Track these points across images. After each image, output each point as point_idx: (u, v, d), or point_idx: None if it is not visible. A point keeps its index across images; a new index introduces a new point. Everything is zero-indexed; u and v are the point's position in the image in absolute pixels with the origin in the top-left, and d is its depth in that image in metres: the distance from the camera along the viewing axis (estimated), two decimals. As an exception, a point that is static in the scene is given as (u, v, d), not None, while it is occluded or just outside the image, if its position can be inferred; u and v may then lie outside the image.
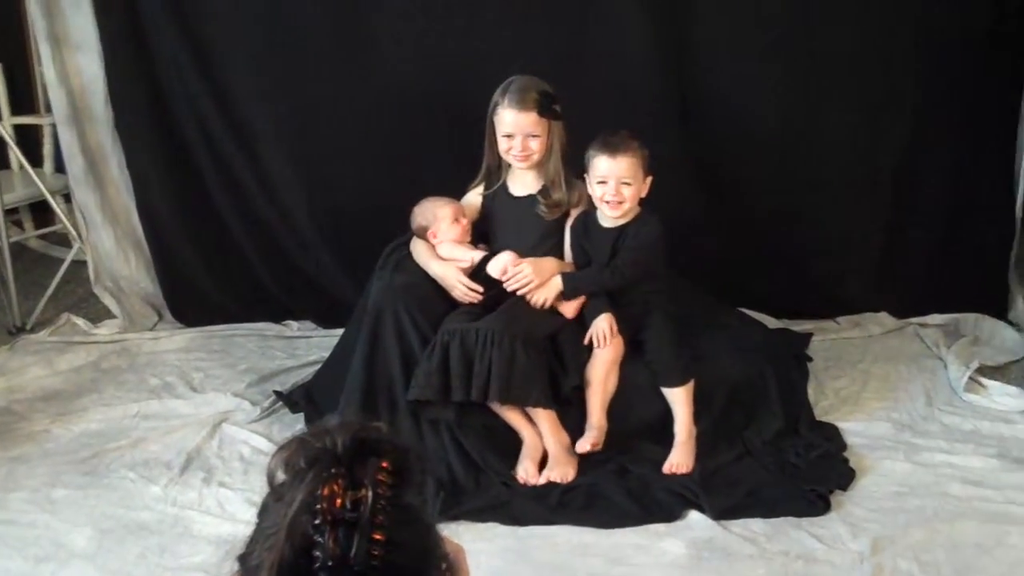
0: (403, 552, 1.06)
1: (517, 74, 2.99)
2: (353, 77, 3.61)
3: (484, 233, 3.12)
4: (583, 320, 2.91)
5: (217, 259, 3.90)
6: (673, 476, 2.74)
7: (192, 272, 3.90)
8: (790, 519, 2.58)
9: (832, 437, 2.96)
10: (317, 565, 1.03)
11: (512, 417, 2.82)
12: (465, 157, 3.17)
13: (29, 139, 4.27)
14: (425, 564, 1.11)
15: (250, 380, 3.39)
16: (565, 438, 2.81)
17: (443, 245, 3.03)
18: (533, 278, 2.89)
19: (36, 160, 4.18)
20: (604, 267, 2.92)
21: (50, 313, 3.94)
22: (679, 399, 2.84)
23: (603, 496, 2.68)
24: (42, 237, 4.54)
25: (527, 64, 3.09)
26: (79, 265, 4.04)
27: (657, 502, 2.65)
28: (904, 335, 3.69)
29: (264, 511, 1.12)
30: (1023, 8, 3.50)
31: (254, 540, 1.10)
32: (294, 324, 3.86)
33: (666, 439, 2.84)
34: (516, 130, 2.93)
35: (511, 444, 2.81)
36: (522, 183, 3.06)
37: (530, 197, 3.03)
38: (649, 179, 2.89)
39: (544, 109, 2.92)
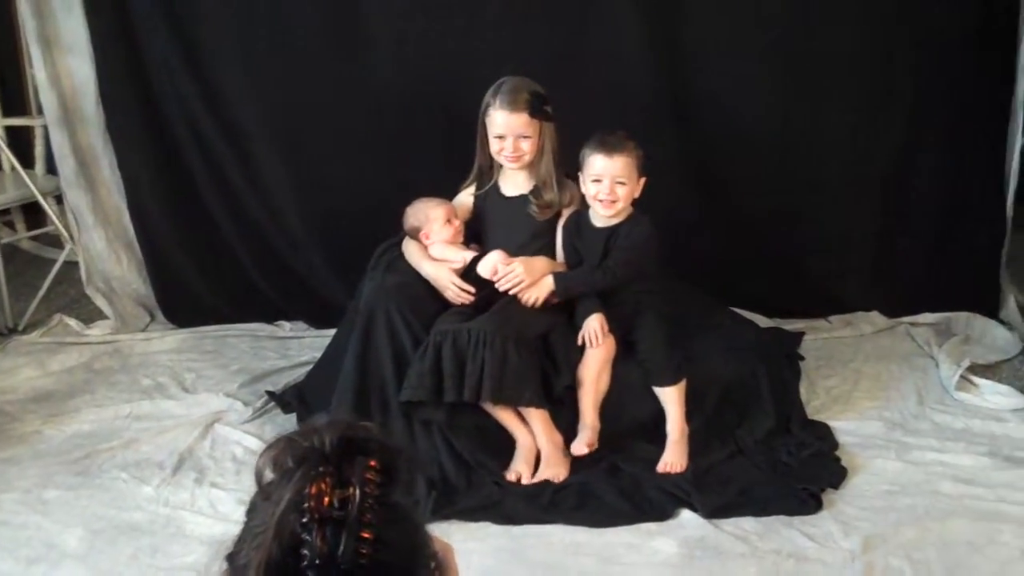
0: (391, 550, 1.06)
1: (510, 75, 2.99)
2: (345, 78, 3.61)
3: (477, 233, 3.12)
4: (574, 320, 2.92)
5: (209, 260, 3.90)
6: (666, 475, 2.75)
7: (184, 273, 3.90)
8: (782, 518, 2.58)
9: (824, 436, 2.96)
10: (305, 564, 1.03)
11: (505, 417, 2.82)
12: (457, 158, 3.17)
13: (21, 141, 4.26)
14: (413, 563, 1.11)
15: (242, 380, 3.39)
16: (558, 438, 2.82)
17: (435, 246, 3.03)
18: (524, 277, 2.89)
19: (28, 162, 4.17)
20: (595, 267, 2.92)
21: (42, 314, 3.94)
22: (671, 398, 2.85)
23: (595, 495, 2.68)
24: (34, 238, 4.53)
25: (520, 65, 3.09)
26: (71, 266, 4.04)
27: (649, 501, 2.66)
28: (896, 334, 3.70)
29: (252, 510, 1.12)
30: (1012, 8, 3.51)
31: (242, 539, 1.10)
32: (286, 324, 3.86)
33: (659, 438, 2.84)
34: (507, 131, 2.93)
35: (503, 444, 2.81)
36: (513, 183, 3.06)
37: (522, 197, 3.03)
38: (643, 180, 2.90)
39: (535, 110, 2.92)
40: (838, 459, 2.85)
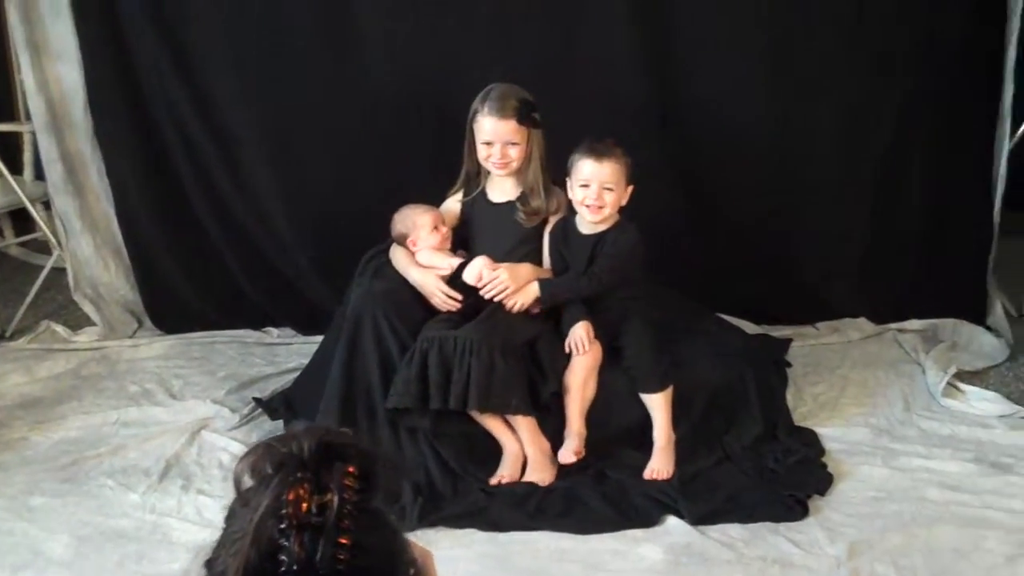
0: (369, 556, 1.06)
1: (499, 80, 3.00)
2: (334, 83, 3.61)
3: (464, 239, 3.13)
4: (561, 327, 2.92)
5: (197, 266, 3.89)
6: (652, 482, 2.75)
7: (172, 279, 3.89)
8: (768, 524, 2.59)
9: (810, 442, 2.97)
10: (283, 569, 1.03)
11: (492, 424, 2.82)
12: (446, 163, 3.18)
13: (9, 146, 4.25)
14: (392, 569, 1.10)
15: (230, 387, 3.38)
16: (545, 444, 2.82)
17: (422, 252, 3.03)
18: (508, 283, 2.89)
19: (16, 167, 4.15)
20: (581, 274, 2.93)
21: (30, 320, 3.92)
22: (657, 405, 2.85)
23: (581, 502, 2.68)
24: (22, 244, 4.52)
25: (508, 71, 3.10)
26: (59, 272, 4.02)
27: (635, 507, 2.66)
28: (883, 340, 3.71)
29: (231, 516, 1.12)
30: (999, 13, 3.52)
31: (220, 545, 1.10)
32: (274, 331, 3.85)
33: (645, 445, 2.84)
34: (495, 138, 2.93)
35: (490, 451, 2.81)
36: (501, 189, 3.06)
37: (509, 203, 3.04)
38: (630, 188, 2.90)
39: (523, 117, 2.92)
40: (824, 465, 2.85)
